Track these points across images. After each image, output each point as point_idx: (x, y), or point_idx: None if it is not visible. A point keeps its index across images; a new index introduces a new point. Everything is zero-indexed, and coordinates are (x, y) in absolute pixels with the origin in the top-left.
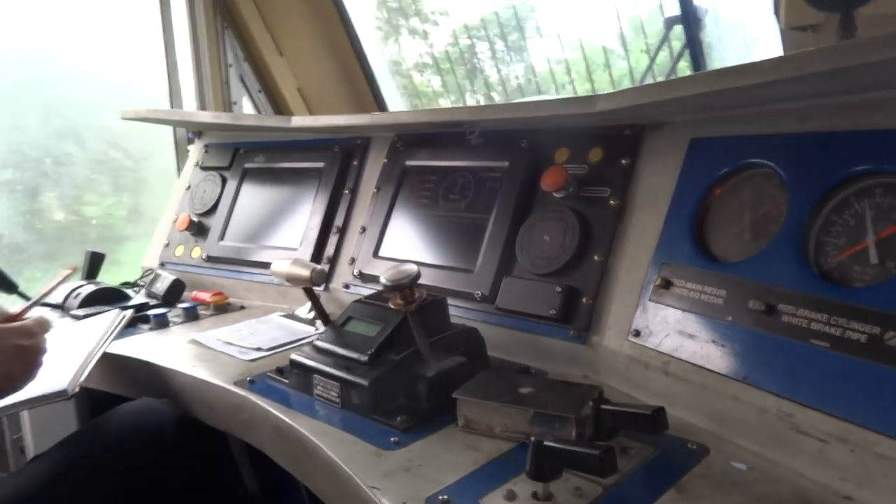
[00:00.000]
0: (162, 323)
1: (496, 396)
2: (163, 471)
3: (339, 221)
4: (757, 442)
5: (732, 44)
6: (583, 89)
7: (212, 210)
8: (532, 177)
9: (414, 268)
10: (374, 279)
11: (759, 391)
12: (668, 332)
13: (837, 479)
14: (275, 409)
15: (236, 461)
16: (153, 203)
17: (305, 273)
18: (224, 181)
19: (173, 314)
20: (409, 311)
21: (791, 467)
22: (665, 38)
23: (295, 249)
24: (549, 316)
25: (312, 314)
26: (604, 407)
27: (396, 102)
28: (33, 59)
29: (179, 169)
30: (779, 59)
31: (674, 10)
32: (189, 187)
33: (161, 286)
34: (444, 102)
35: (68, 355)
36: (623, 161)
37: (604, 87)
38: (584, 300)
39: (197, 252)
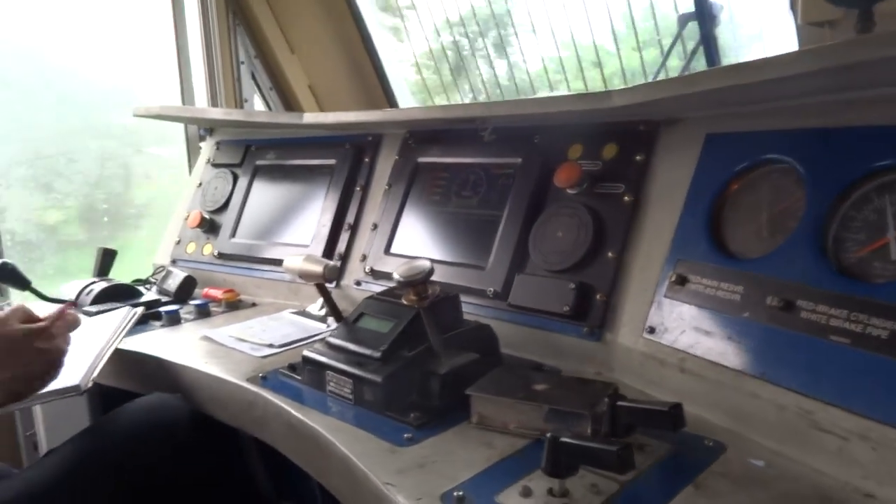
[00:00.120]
0: (174, 320)
1: (510, 393)
2: (175, 467)
3: (350, 218)
4: (776, 439)
5: (747, 40)
6: (575, 88)
7: (223, 207)
8: (545, 173)
9: (427, 263)
10: (385, 276)
11: (778, 388)
12: (684, 328)
13: (859, 477)
14: (288, 406)
15: (248, 458)
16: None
17: (318, 269)
18: (235, 178)
19: (185, 311)
20: (422, 307)
21: (811, 465)
22: (678, 36)
23: (306, 246)
24: (562, 313)
25: (324, 311)
26: (620, 403)
27: (408, 100)
28: (46, 56)
29: (191, 166)
30: (798, 52)
31: (687, 5)
32: (200, 184)
33: (173, 283)
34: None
35: (81, 351)
36: (638, 157)
37: (596, 86)
38: (598, 297)
39: (208, 249)
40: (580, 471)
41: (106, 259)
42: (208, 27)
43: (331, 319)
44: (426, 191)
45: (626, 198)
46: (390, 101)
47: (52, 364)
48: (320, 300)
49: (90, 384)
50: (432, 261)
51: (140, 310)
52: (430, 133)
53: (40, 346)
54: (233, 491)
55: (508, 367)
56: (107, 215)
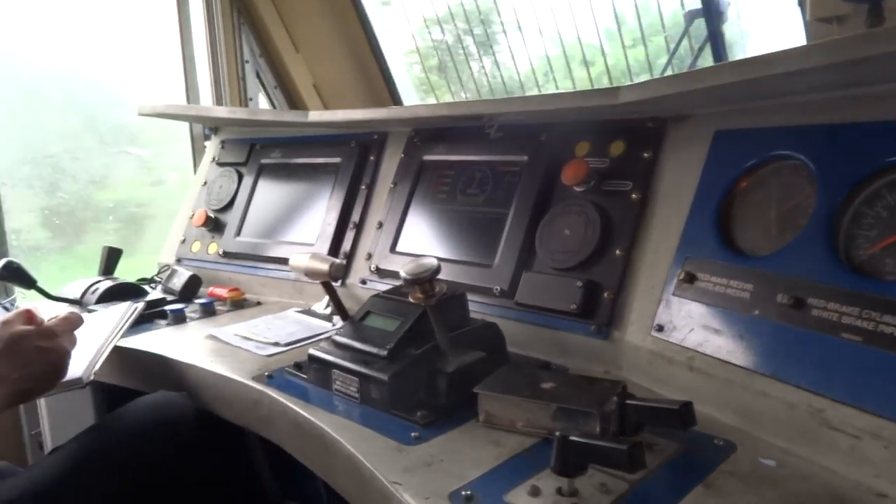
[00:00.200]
0: (179, 318)
1: (518, 391)
2: (180, 465)
3: (355, 217)
4: (786, 438)
5: (754, 37)
6: (563, 87)
7: (228, 206)
8: (552, 171)
9: (434, 261)
10: (391, 274)
11: (789, 386)
12: (693, 326)
13: (871, 476)
14: (293, 405)
15: (253, 456)
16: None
17: (324, 267)
18: (240, 177)
19: (190, 310)
20: (429, 305)
21: (822, 464)
22: (685, 32)
23: (311, 245)
24: (569, 311)
25: (329, 310)
26: (629, 402)
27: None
28: (51, 55)
29: (196, 165)
30: (808, 47)
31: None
32: (205, 183)
33: (178, 282)
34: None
35: (82, 345)
36: (645, 154)
37: (583, 85)
38: (605, 295)
39: (213, 248)
40: (589, 470)
41: (111, 258)
42: (213, 26)
43: (336, 318)
44: (432, 189)
45: (633, 195)
46: (395, 100)
47: (56, 363)
48: (326, 299)
49: (92, 377)
50: (438, 259)
51: (141, 305)
52: (435, 131)
53: (43, 345)
54: (238, 489)
55: (515, 366)
56: (68, 217)
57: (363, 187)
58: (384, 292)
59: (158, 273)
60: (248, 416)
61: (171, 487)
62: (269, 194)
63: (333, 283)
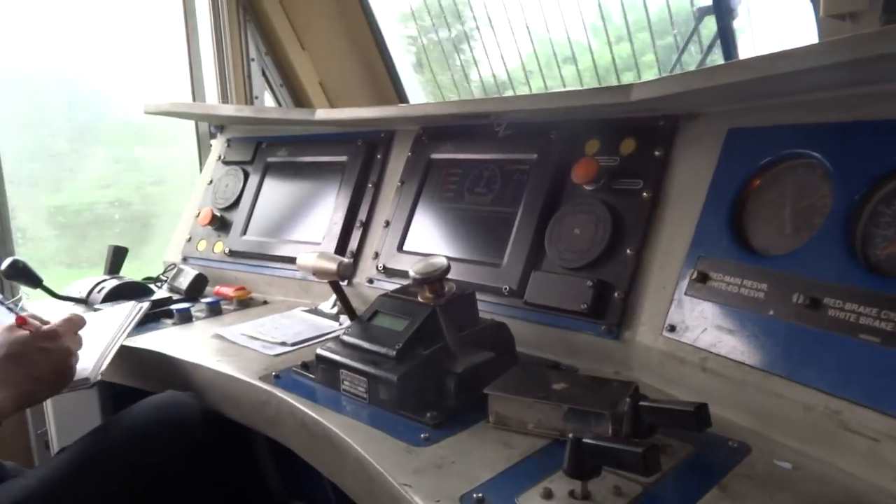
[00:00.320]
0: (185, 317)
1: (529, 392)
2: (187, 465)
3: (362, 216)
4: (802, 440)
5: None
6: (552, 84)
7: (234, 205)
8: (561, 169)
9: (444, 260)
10: (398, 274)
11: (805, 388)
12: (706, 326)
13: (890, 480)
14: (301, 405)
15: (260, 457)
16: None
17: (332, 266)
18: (246, 175)
19: (196, 309)
20: (438, 304)
21: (839, 467)
22: (695, 29)
23: (318, 244)
24: (579, 311)
25: (336, 309)
26: (643, 403)
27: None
28: (57, 53)
29: (201, 163)
30: (825, 43)
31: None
32: (211, 182)
33: (184, 281)
34: None
35: (89, 344)
36: (656, 152)
37: (571, 81)
38: (616, 294)
39: (219, 247)
40: (602, 472)
41: (117, 256)
42: (219, 24)
43: (343, 317)
44: (439, 187)
45: (644, 194)
46: (401, 98)
47: (60, 364)
48: (332, 298)
49: (99, 377)
50: (446, 258)
51: (146, 304)
52: (443, 129)
53: (46, 346)
54: (244, 490)
55: (525, 366)
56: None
57: (370, 186)
58: (392, 292)
59: (164, 272)
60: (255, 416)
61: (178, 487)
62: (276, 193)
63: (341, 283)
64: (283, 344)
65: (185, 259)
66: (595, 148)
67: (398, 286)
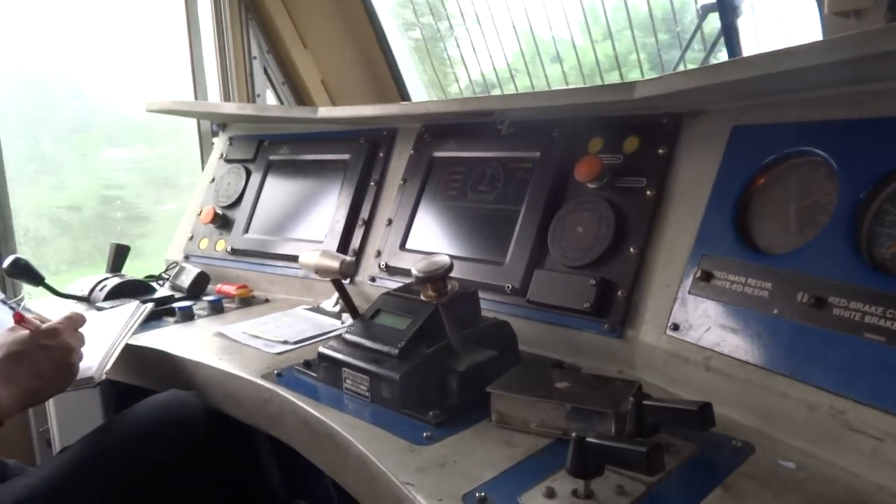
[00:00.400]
0: (187, 316)
1: (531, 391)
2: (189, 464)
3: (364, 214)
4: (806, 440)
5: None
6: (538, 84)
7: (236, 203)
8: (564, 167)
9: (447, 259)
10: (400, 272)
11: (809, 387)
12: (709, 325)
13: (894, 479)
14: (303, 403)
15: (262, 455)
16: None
17: (335, 264)
18: (248, 174)
19: (198, 307)
20: (440, 303)
21: (843, 466)
22: (698, 27)
23: (320, 242)
24: (582, 309)
25: (338, 307)
26: (646, 402)
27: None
28: (60, 52)
29: (203, 161)
30: (831, 40)
31: None
32: (213, 180)
33: (186, 279)
34: None
35: (93, 344)
36: (660, 150)
37: (556, 79)
38: (619, 293)
39: (221, 245)
40: (605, 471)
41: (119, 255)
42: (221, 22)
43: (346, 316)
44: (442, 186)
45: (648, 192)
46: (403, 96)
47: (61, 360)
48: (335, 296)
49: (104, 376)
50: (449, 257)
51: (150, 304)
52: (445, 127)
53: (46, 342)
54: (246, 488)
55: (528, 365)
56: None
57: (372, 184)
58: (395, 290)
59: (166, 270)
60: (257, 414)
61: (181, 486)
62: (278, 191)
63: (343, 281)
64: (286, 342)
65: (187, 257)
66: (598, 146)
67: (401, 284)
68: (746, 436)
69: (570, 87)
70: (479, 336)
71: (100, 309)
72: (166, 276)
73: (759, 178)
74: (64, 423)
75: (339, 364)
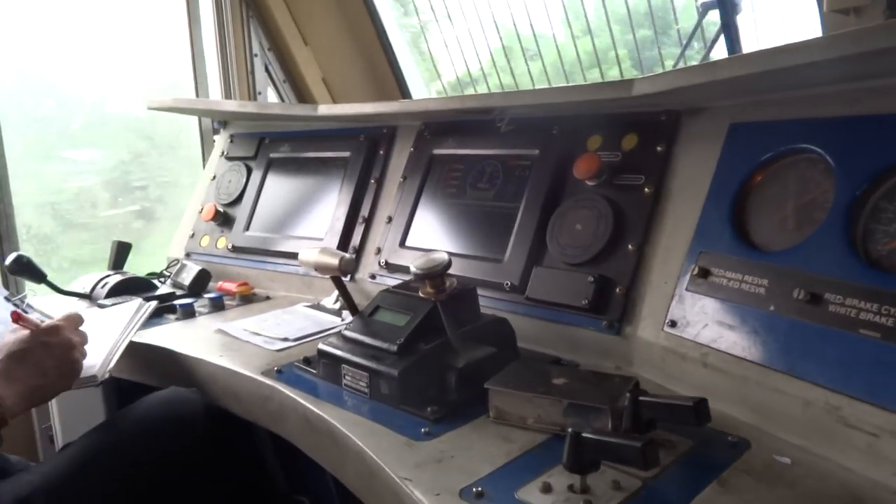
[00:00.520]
0: (189, 313)
1: (529, 387)
2: (190, 460)
3: (364, 211)
4: (801, 435)
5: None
6: (521, 81)
7: (237, 200)
8: (563, 164)
9: (445, 256)
10: (400, 269)
11: (805, 383)
12: (707, 322)
13: (890, 475)
14: (303, 400)
15: (263, 452)
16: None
17: (334, 261)
18: (249, 171)
19: (199, 304)
20: (439, 300)
21: (839, 462)
22: (699, 25)
23: (321, 240)
24: (580, 306)
25: (338, 304)
26: (642, 398)
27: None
28: (58, 48)
29: (204, 159)
30: (830, 37)
31: None
32: (214, 177)
33: (187, 276)
34: None
35: (96, 342)
36: (658, 148)
37: (537, 76)
38: (617, 290)
39: (222, 242)
40: (601, 467)
41: (121, 252)
42: (222, 19)
43: (345, 313)
44: (442, 183)
45: (646, 189)
46: (404, 94)
47: (63, 356)
48: (335, 293)
49: (107, 375)
50: (448, 254)
51: (153, 304)
52: (445, 125)
53: (47, 340)
54: (247, 485)
55: (526, 361)
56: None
57: (372, 181)
58: (394, 287)
59: (168, 267)
60: (257, 411)
61: (182, 483)
62: (279, 189)
63: (343, 278)
64: (286, 339)
65: (188, 254)
66: (597, 143)
67: (400, 281)
68: (742, 432)
69: (570, 84)
70: (477, 333)
71: (101, 306)
72: (167, 274)
73: (757, 175)
74: (66, 419)
75: (338, 361)
